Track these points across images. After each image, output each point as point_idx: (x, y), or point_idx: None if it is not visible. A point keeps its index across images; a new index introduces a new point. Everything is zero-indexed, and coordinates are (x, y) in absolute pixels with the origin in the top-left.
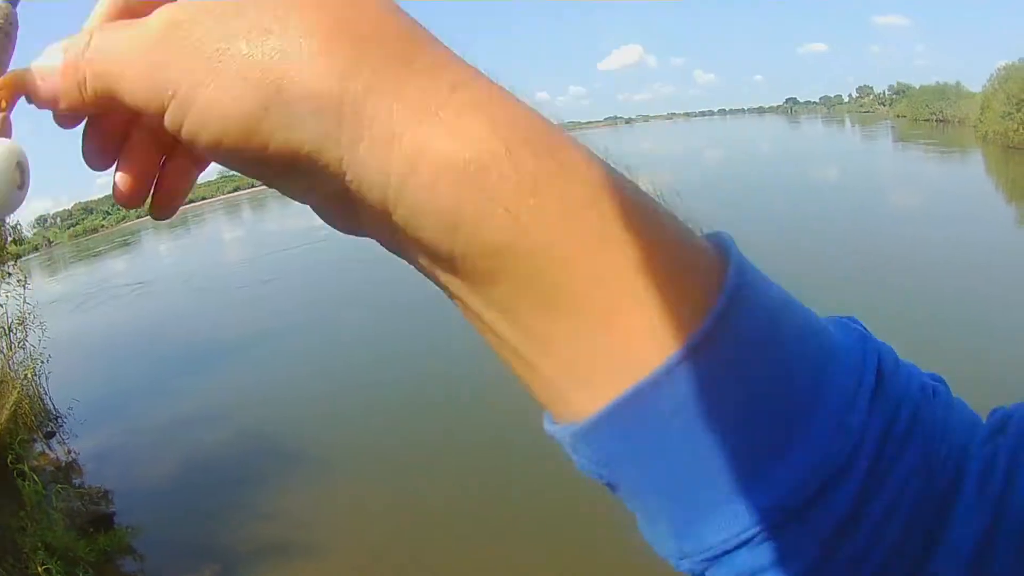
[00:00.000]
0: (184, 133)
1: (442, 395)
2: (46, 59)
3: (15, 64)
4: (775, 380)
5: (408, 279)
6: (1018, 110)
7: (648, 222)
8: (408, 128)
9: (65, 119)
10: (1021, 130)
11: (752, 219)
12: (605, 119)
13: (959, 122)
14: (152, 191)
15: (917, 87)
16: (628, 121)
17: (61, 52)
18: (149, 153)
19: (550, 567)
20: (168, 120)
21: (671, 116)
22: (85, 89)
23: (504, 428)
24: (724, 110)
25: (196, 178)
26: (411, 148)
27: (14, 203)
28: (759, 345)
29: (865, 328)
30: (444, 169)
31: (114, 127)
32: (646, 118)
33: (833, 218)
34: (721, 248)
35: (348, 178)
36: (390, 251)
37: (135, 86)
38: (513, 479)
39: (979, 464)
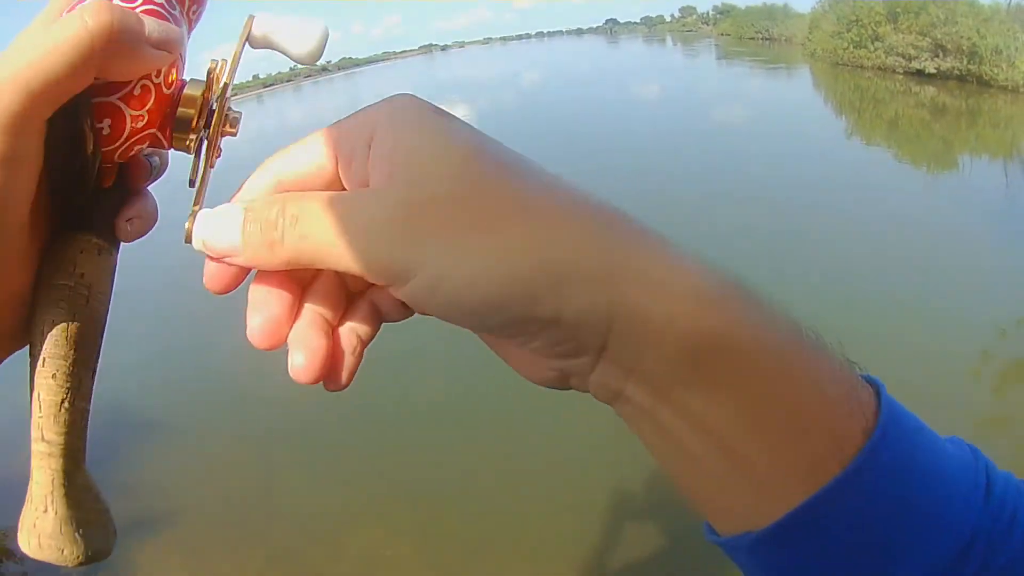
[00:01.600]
0: (431, 307)
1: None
2: (221, 217)
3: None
4: (913, 494)
5: None
6: (848, 30)
7: (825, 365)
8: (657, 300)
9: (230, 278)
10: (850, 48)
11: (572, 139)
12: (420, 47)
13: (786, 40)
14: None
15: (743, 8)
16: (444, 48)
17: (240, 212)
18: (327, 315)
19: (406, 505)
20: (406, 294)
21: (487, 41)
22: (279, 251)
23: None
24: (542, 32)
25: (368, 343)
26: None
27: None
28: (903, 463)
29: (972, 445)
30: (690, 335)
31: (295, 281)
32: (462, 44)
33: (655, 134)
34: (871, 382)
35: (607, 331)
36: (598, 391)
37: (358, 263)
38: (364, 423)
39: None
